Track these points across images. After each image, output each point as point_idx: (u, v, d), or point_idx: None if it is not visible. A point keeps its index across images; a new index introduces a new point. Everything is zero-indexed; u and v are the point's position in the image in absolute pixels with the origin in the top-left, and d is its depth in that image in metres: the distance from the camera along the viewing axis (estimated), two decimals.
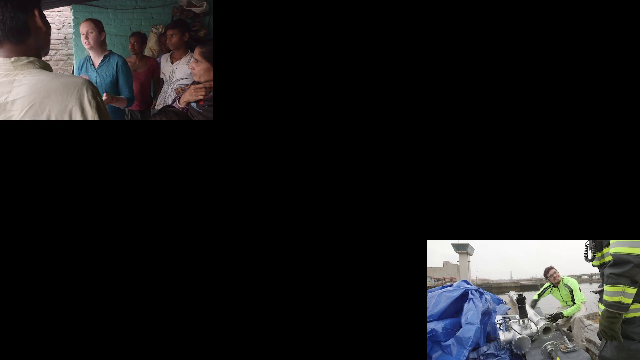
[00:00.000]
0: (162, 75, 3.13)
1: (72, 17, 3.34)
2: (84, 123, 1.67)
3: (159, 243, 1.81)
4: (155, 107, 3.08)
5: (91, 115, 1.57)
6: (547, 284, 2.58)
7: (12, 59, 1.59)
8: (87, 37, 2.87)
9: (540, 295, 2.60)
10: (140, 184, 1.81)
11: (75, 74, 3.08)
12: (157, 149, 1.82)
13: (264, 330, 1.82)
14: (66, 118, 1.55)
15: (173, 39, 3.04)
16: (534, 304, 2.60)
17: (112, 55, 2.94)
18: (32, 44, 1.63)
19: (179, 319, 1.81)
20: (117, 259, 1.80)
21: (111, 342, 1.80)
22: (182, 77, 3.00)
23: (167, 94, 3.01)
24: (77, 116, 1.56)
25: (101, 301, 1.80)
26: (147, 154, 1.82)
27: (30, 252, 1.79)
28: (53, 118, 1.55)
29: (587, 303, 2.46)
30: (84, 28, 2.87)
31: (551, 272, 2.55)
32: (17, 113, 1.55)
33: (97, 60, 2.92)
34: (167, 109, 2.54)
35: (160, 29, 3.31)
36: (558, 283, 2.56)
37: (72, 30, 3.37)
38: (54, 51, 3.26)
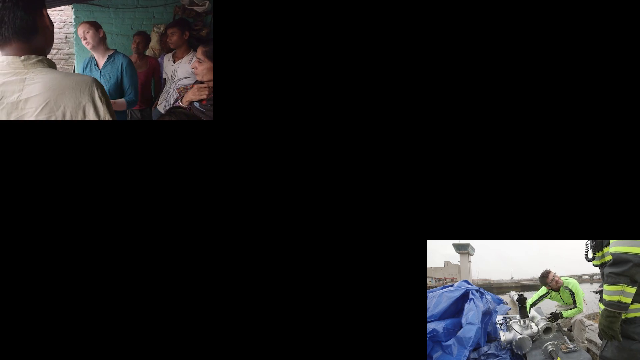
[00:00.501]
0: (164, 75, 3.12)
1: (74, 17, 3.34)
2: (83, 123, 1.69)
3: (159, 242, 1.81)
4: (157, 106, 3.08)
5: (103, 110, 1.61)
6: (543, 290, 2.53)
7: (22, 57, 1.60)
8: (85, 38, 2.85)
9: (532, 305, 2.53)
10: (141, 183, 1.81)
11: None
12: (158, 149, 1.82)
13: (264, 330, 1.83)
14: (80, 114, 1.59)
15: (173, 38, 3.03)
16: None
17: (117, 55, 2.89)
18: (39, 42, 1.65)
19: (181, 319, 1.82)
20: (119, 257, 1.81)
21: (111, 342, 1.80)
22: (184, 76, 2.99)
23: (169, 94, 3.01)
24: (90, 112, 1.59)
25: (106, 297, 1.80)
26: (147, 153, 1.82)
27: (36, 250, 1.79)
28: (68, 114, 1.58)
29: (588, 303, 2.45)
30: (80, 30, 2.85)
31: (551, 276, 2.50)
32: (31, 111, 1.57)
33: (101, 60, 2.88)
34: (176, 109, 2.53)
35: (161, 28, 3.30)
36: (559, 288, 2.52)
37: (73, 30, 3.36)
38: (55, 50, 3.25)
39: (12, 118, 1.58)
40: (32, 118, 1.57)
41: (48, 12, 1.71)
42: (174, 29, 3.03)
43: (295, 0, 1.84)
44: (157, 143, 1.82)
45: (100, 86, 1.63)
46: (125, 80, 2.89)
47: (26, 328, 1.79)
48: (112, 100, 2.82)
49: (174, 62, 3.06)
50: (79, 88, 1.59)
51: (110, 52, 2.91)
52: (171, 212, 1.82)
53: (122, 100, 2.90)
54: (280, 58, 1.84)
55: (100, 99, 1.62)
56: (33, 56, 1.62)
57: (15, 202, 1.78)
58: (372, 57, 1.85)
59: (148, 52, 3.24)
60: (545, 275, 2.52)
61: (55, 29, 2.25)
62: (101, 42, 2.88)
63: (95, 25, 2.85)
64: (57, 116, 1.58)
